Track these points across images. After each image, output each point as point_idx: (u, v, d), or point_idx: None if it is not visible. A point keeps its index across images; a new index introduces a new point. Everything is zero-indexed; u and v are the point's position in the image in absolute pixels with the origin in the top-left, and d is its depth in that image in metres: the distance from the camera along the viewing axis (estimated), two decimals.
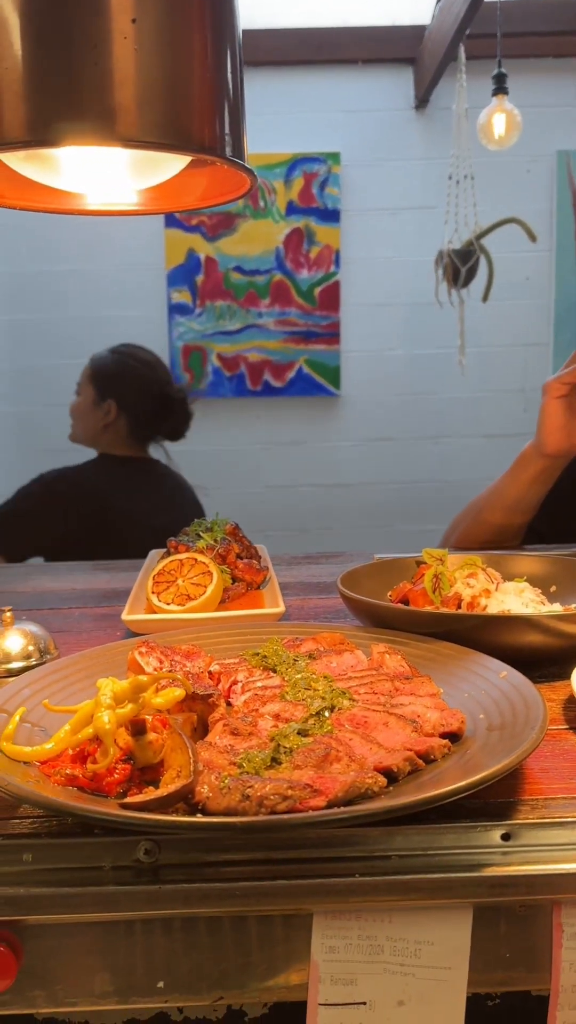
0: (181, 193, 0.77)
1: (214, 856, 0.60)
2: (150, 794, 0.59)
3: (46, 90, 0.59)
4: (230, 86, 0.65)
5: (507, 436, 4.33)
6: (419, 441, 4.36)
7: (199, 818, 0.58)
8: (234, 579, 1.26)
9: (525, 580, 1.02)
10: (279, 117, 4.18)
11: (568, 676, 0.84)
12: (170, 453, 2.72)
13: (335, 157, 4.15)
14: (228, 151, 0.64)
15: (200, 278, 4.16)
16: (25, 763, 0.66)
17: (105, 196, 0.77)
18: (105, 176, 0.69)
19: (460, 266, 3.69)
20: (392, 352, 4.29)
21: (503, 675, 0.77)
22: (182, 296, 4.17)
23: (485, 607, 0.97)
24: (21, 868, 0.61)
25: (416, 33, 4.18)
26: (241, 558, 1.31)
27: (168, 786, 0.59)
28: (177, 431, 2.67)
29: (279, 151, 4.14)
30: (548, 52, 4.22)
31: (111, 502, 2.45)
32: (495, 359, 4.27)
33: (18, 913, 0.61)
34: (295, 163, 4.15)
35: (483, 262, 3.71)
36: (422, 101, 4.21)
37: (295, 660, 0.84)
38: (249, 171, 0.67)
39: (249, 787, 0.57)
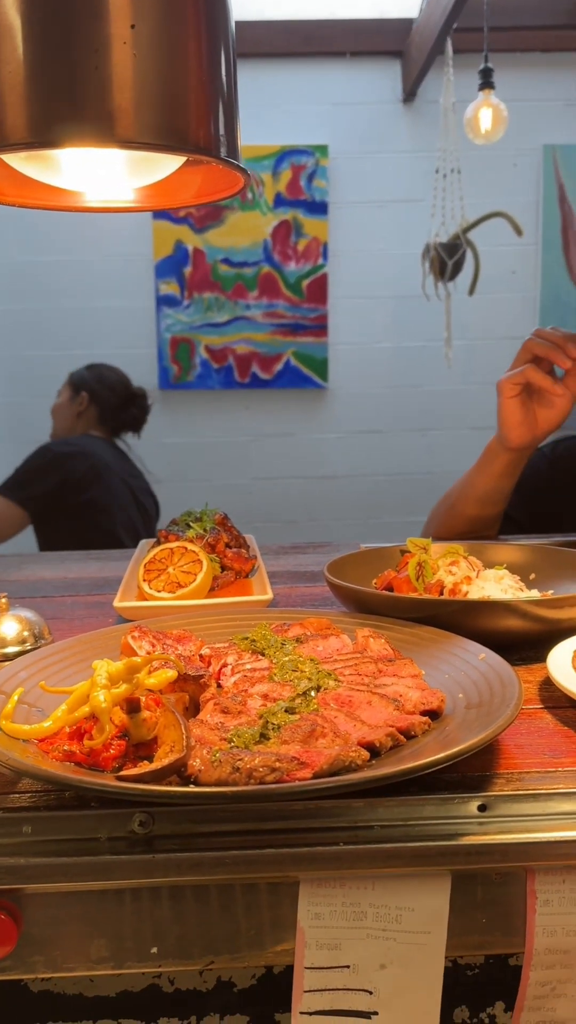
0: (177, 190, 0.79)
1: (206, 827, 0.63)
2: (145, 767, 0.62)
3: (48, 93, 0.61)
4: (224, 89, 0.68)
5: (493, 428, 4.35)
6: (406, 433, 4.39)
7: (192, 788, 0.61)
8: (223, 567, 1.29)
9: (505, 568, 1.06)
10: (267, 109, 4.20)
11: (545, 659, 0.87)
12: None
13: (323, 150, 4.18)
14: (223, 151, 0.67)
15: (188, 270, 4.17)
16: (24, 741, 0.69)
17: (103, 194, 0.80)
18: (104, 175, 0.72)
19: (447, 259, 3.71)
20: (379, 345, 4.32)
21: (482, 657, 0.81)
22: (170, 288, 4.19)
23: (466, 593, 1.01)
24: (21, 840, 0.64)
25: (404, 26, 4.20)
26: (230, 547, 1.33)
27: (162, 760, 0.63)
28: (139, 421, 3.15)
29: (267, 143, 4.16)
30: (535, 47, 4.25)
31: (103, 459, 2.95)
32: (482, 352, 4.31)
33: (18, 882, 0.64)
34: (283, 155, 4.17)
35: (469, 255, 3.74)
36: (410, 94, 4.23)
37: (283, 644, 0.87)
38: (243, 170, 0.70)
39: (239, 760, 0.61)
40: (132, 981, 0.89)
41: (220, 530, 1.35)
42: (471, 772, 0.68)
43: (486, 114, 3.23)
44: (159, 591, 1.17)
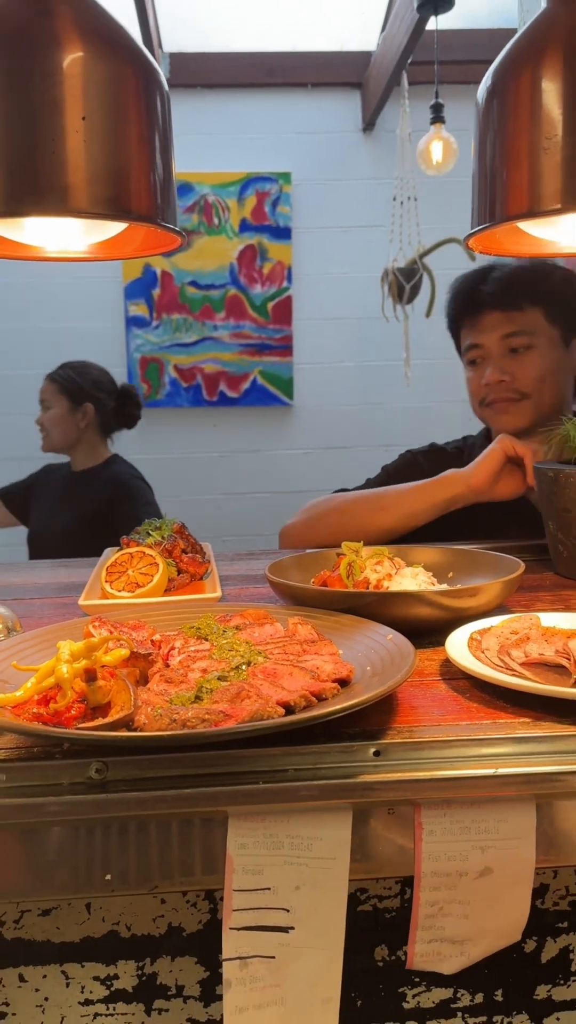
0: (124, 245, 0.94)
1: (151, 772, 0.77)
2: (100, 721, 0.76)
3: (15, 173, 0.76)
4: (161, 166, 0.82)
5: None
6: (369, 449, 4.54)
7: (137, 733, 0.74)
8: (179, 571, 1.43)
9: (421, 566, 1.21)
10: (232, 138, 4.37)
11: None
12: (135, 461, 3.23)
13: (286, 177, 4.35)
14: (160, 218, 0.81)
15: (157, 292, 4.32)
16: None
17: (61, 247, 0.94)
18: (61, 234, 0.87)
19: (405, 283, 3.89)
20: (342, 364, 4.49)
21: (389, 638, 0.95)
22: (139, 309, 4.34)
23: (387, 588, 1.15)
24: None
25: (363, 59, 4.39)
26: (186, 552, 1.47)
27: (114, 716, 0.76)
28: (135, 418, 3.23)
29: (232, 170, 4.32)
30: None
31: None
32: (440, 371, 4.46)
33: None
34: (248, 182, 4.34)
35: (426, 280, 3.92)
36: (369, 124, 4.42)
37: (224, 631, 1.01)
38: (179, 232, 0.85)
39: (176, 714, 0.75)
40: (94, 927, 1.03)
41: (177, 537, 1.48)
42: (370, 727, 0.82)
43: (437, 147, 3.41)
44: (120, 591, 1.30)
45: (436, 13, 3.31)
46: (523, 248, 1.09)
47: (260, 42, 4.27)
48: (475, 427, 2.16)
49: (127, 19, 3.61)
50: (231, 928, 0.80)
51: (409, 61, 3.79)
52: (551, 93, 0.86)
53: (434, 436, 4.60)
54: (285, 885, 0.79)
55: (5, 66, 0.76)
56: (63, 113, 0.76)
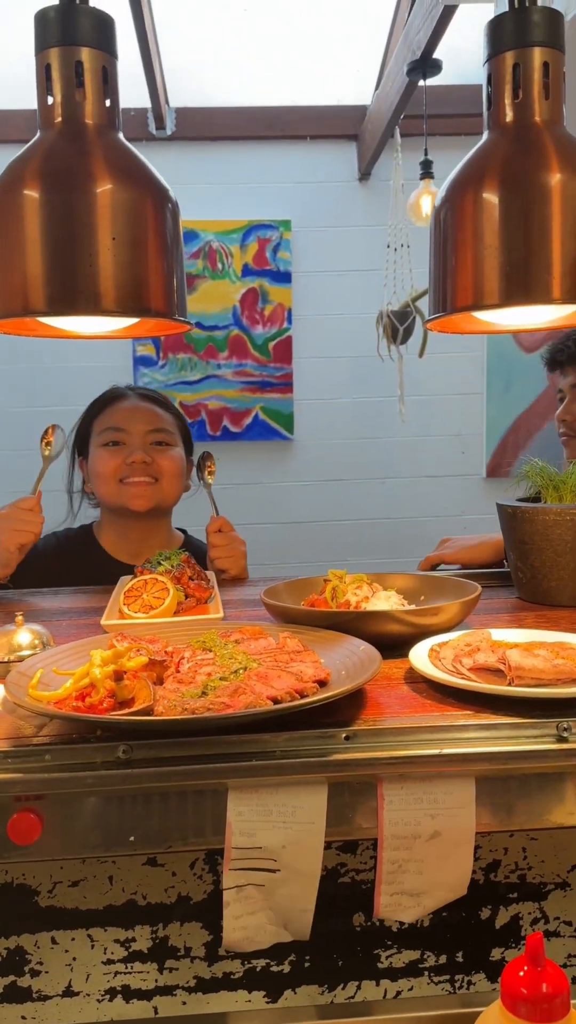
0: (140, 328, 1.16)
1: (167, 752, 0.97)
2: (126, 711, 0.96)
3: (58, 283, 0.98)
4: (174, 270, 1.04)
5: (447, 476, 4.77)
6: (367, 482, 4.76)
7: (156, 717, 0.95)
8: (186, 595, 1.63)
9: (394, 590, 1.41)
10: (235, 187, 4.61)
11: None
12: None
13: (286, 224, 4.59)
14: (174, 313, 1.03)
15: None
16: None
17: (91, 331, 1.16)
18: (91, 323, 1.08)
19: (398, 325, 4.11)
20: (340, 400, 4.71)
21: (362, 648, 1.15)
22: (147, 349, 4.57)
23: (364, 608, 1.36)
24: (43, 763, 0.97)
25: (359, 112, 4.64)
26: (192, 579, 1.68)
27: (137, 707, 0.97)
28: None
29: (235, 218, 4.57)
30: (476, 131, 4.70)
31: None
32: (433, 407, 4.70)
33: (41, 790, 0.97)
34: (250, 229, 4.58)
35: (418, 321, 4.14)
36: (365, 174, 4.66)
37: (225, 644, 1.22)
38: (187, 322, 1.07)
39: (187, 704, 0.95)
40: (115, 896, 1.23)
41: (184, 566, 1.69)
42: (343, 717, 1.03)
43: (426, 200, 3.65)
44: (136, 612, 1.51)
45: (424, 78, 3.55)
46: (474, 327, 1.30)
47: (261, 97, 4.51)
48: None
49: (135, 76, 3.86)
50: (230, 870, 0.99)
51: (401, 117, 4.03)
52: (490, 211, 1.08)
53: (429, 470, 4.81)
54: (274, 844, 0.99)
55: (53, 198, 0.98)
56: (96, 235, 0.98)
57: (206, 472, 2.14)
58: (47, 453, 2.00)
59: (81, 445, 2.29)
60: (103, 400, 2.27)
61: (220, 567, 2.00)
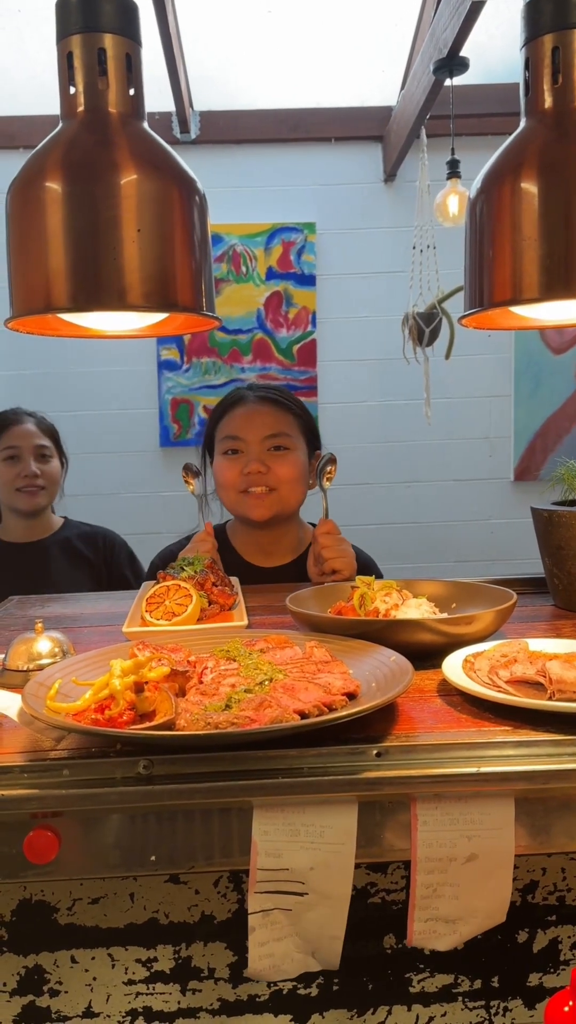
0: (167, 326, 1.12)
1: (189, 768, 0.92)
2: (147, 724, 0.92)
3: (83, 278, 0.93)
4: (202, 265, 1.00)
5: (475, 480, 4.70)
6: (393, 485, 4.70)
7: (178, 732, 0.90)
8: (210, 602, 1.59)
9: (425, 598, 1.36)
10: (260, 190, 4.58)
11: None
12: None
13: (311, 227, 4.55)
14: (200, 308, 0.98)
15: (187, 337, 4.52)
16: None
17: (117, 330, 1.11)
18: (117, 320, 1.04)
19: (424, 327, 4.05)
20: (365, 403, 4.66)
21: (392, 659, 1.10)
22: (170, 353, 4.54)
23: (394, 616, 1.31)
24: (61, 779, 0.93)
25: (384, 113, 4.60)
26: (216, 585, 1.64)
27: (158, 720, 0.92)
28: None
29: (260, 221, 4.53)
30: (504, 131, 4.64)
31: None
32: (461, 409, 4.64)
33: (59, 807, 0.93)
34: (274, 232, 4.54)
35: (445, 323, 4.08)
36: (390, 175, 4.61)
37: (250, 653, 1.17)
38: (216, 318, 1.02)
39: (210, 718, 0.90)
40: (136, 914, 1.18)
41: (208, 572, 1.65)
42: (374, 732, 0.98)
43: (453, 200, 3.59)
44: (158, 619, 1.47)
45: (451, 76, 3.50)
46: (511, 323, 1.25)
47: (285, 99, 4.49)
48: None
49: (160, 81, 3.84)
50: (255, 892, 0.94)
51: (428, 117, 3.98)
52: (528, 201, 1.03)
53: (456, 473, 4.75)
54: (301, 866, 0.94)
55: (75, 189, 0.94)
56: (121, 228, 0.93)
57: (324, 478, 2.09)
58: (192, 492, 2.11)
59: (209, 449, 2.29)
60: (224, 405, 2.24)
61: (333, 567, 2.00)
